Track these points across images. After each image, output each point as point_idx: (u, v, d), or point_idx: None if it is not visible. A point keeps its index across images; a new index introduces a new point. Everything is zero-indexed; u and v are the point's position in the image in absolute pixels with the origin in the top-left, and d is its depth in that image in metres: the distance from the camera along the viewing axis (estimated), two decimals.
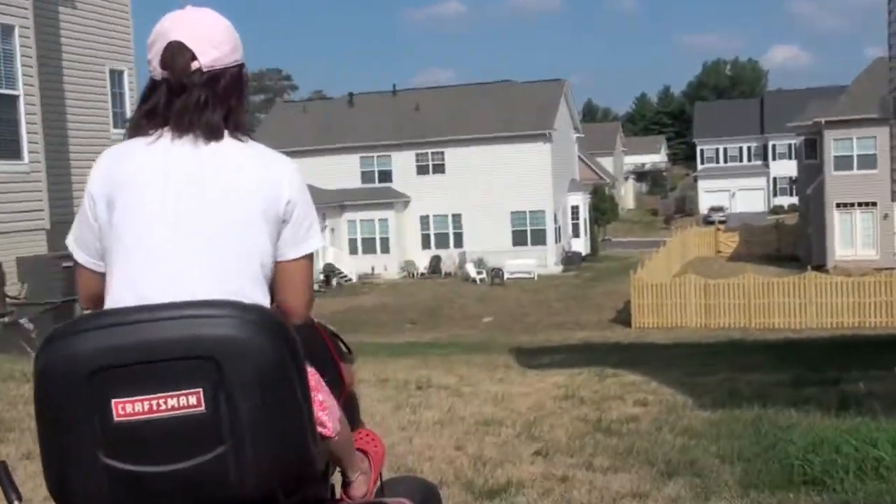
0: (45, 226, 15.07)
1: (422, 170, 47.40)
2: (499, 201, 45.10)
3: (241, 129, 2.08)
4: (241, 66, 2.13)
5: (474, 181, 45.40)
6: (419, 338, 33.23)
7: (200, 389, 1.82)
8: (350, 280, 45.89)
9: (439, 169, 47.11)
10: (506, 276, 43.75)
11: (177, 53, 2.02)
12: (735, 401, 7.34)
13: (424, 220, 47.44)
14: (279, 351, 1.88)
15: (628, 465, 5.14)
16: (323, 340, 2.78)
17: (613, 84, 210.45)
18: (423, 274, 46.59)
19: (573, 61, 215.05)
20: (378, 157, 47.91)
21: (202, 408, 1.83)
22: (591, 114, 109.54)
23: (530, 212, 45.88)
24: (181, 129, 2.01)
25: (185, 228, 1.96)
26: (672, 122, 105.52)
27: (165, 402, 1.82)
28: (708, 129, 77.36)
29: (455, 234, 47.12)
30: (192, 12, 2.11)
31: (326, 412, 2.12)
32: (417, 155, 47.38)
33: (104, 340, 1.84)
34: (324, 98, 60.60)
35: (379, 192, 46.92)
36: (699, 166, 78.67)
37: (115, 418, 1.83)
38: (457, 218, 46.87)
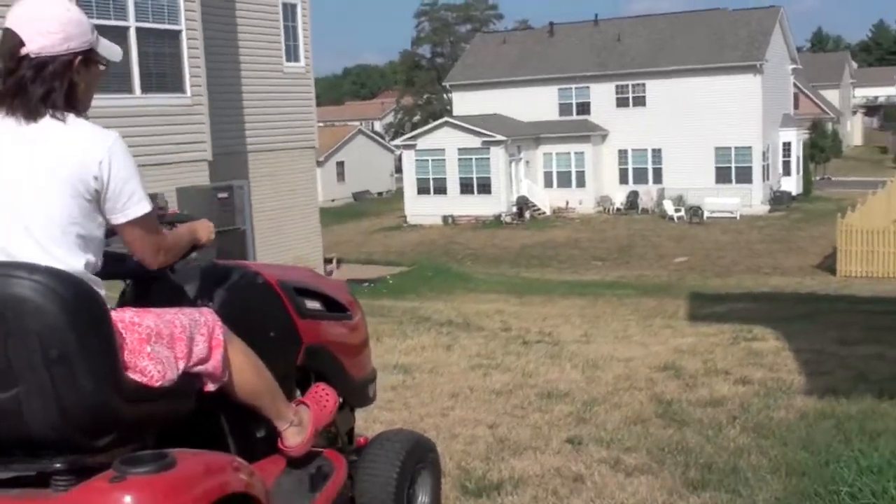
0: (207, 157, 15.53)
1: (621, 102, 45.69)
2: (702, 136, 42.82)
3: (62, 110, 2.29)
4: (77, 54, 2.32)
5: (676, 115, 43.27)
6: (605, 276, 32.42)
7: None
8: (543, 213, 45.35)
9: (640, 101, 45.22)
10: (706, 214, 41.80)
11: (6, 40, 2.28)
12: (857, 386, 6.36)
13: (623, 155, 45.89)
14: (62, 310, 2.14)
15: (660, 467, 4.45)
16: (277, 297, 2.97)
17: (848, 10, 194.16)
18: (619, 210, 45.29)
19: None
20: (576, 88, 46.56)
21: None
22: (819, 43, 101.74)
23: (736, 148, 43.25)
24: (7, 109, 2.29)
25: (4, 198, 2.26)
26: None
27: None
28: None
29: (654, 169, 45.29)
30: (32, 2, 2.33)
31: (153, 361, 2.33)
32: (617, 87, 45.66)
33: None
34: (528, 28, 59.45)
35: (576, 125, 45.75)
36: None
37: None
38: (656, 153, 45.00)
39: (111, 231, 2.46)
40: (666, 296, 22.45)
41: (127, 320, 2.36)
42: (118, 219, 2.35)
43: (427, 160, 45.34)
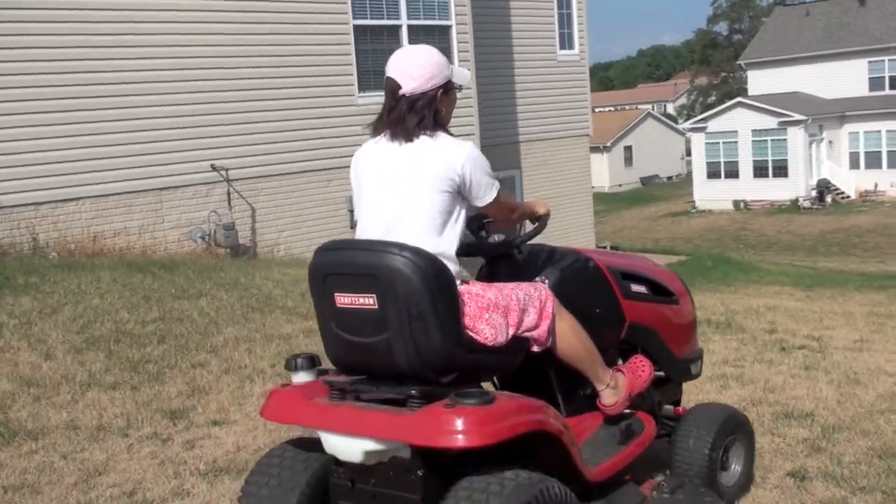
0: None
1: None
2: None
3: (430, 130, 3.05)
4: (438, 88, 3.10)
5: None
6: None
7: (375, 295, 2.86)
8: (847, 197, 41.96)
9: None
10: None
11: (388, 85, 3.12)
12: None
13: None
14: (420, 280, 2.82)
15: None
16: (606, 281, 3.56)
17: None
18: None
19: None
20: (890, 60, 42.51)
21: (376, 306, 2.87)
22: None
23: None
24: (392, 134, 3.10)
25: (390, 195, 3.07)
26: None
27: (358, 300, 2.91)
28: None
29: None
30: (403, 53, 3.18)
31: (489, 325, 2.99)
32: None
33: (331, 258, 3.03)
34: None
35: (889, 100, 41.73)
36: None
37: (337, 305, 2.97)
38: None
39: (472, 219, 3.33)
40: None
41: (474, 292, 3.04)
42: (479, 202, 3.13)
43: (718, 143, 43.41)
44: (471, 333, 2.97)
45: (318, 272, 3.03)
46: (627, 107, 74.07)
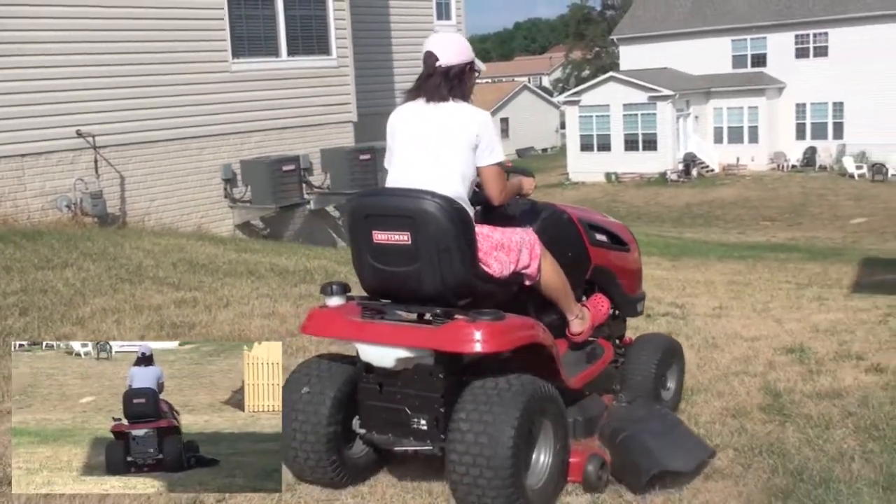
0: (352, 119, 15.65)
1: (801, 53, 43.17)
2: (890, 89, 39.82)
3: (458, 98, 3.77)
4: (465, 65, 3.81)
5: (862, 66, 40.47)
6: (773, 237, 30.89)
7: (409, 232, 3.52)
8: (711, 171, 43.68)
9: (821, 52, 42.59)
10: (890, 172, 39.00)
11: (428, 58, 3.78)
12: None
13: (800, 109, 43.43)
14: (448, 220, 3.49)
15: (745, 470, 4.02)
16: (577, 230, 4.31)
17: None
18: (794, 167, 43.04)
19: None
20: (752, 39, 44.34)
21: (409, 242, 3.53)
22: None
23: None
24: (428, 98, 3.76)
25: (421, 151, 3.71)
26: None
27: (393, 236, 3.57)
28: None
29: (835, 124, 42.66)
30: (441, 34, 4.02)
31: (497, 262, 3.71)
32: (797, 37, 43.14)
33: (373, 202, 3.76)
34: None
35: (750, 78, 43.58)
36: None
37: (374, 241, 3.62)
38: (838, 106, 42.30)
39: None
40: (836, 260, 21.07)
41: (485, 233, 3.73)
42: (483, 162, 3.74)
43: (591, 116, 44.42)
44: (483, 267, 3.66)
45: (360, 213, 3.68)
46: (504, 79, 74.78)
